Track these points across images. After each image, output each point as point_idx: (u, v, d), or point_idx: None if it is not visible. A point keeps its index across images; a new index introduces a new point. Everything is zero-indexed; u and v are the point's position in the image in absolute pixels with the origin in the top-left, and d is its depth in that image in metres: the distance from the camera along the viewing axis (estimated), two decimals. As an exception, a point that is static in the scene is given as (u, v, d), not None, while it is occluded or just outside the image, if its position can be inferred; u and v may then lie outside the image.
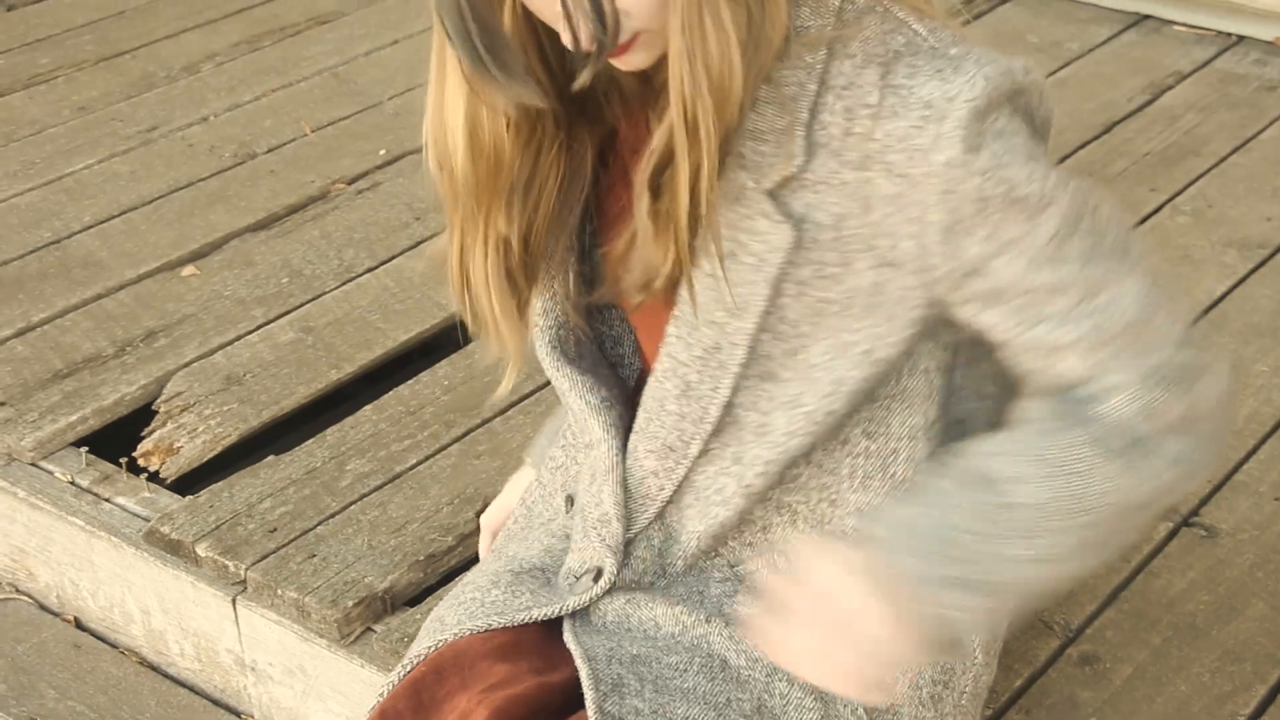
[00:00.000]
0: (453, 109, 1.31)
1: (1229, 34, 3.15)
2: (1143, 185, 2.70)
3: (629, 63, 1.22)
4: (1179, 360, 1.28)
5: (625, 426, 1.44)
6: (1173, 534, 1.90)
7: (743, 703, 1.37)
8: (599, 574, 1.43)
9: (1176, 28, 3.21)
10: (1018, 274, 1.26)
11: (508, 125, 1.30)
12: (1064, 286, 1.27)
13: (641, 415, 1.40)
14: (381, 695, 1.45)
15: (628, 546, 1.41)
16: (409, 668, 1.47)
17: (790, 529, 1.45)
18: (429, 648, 1.47)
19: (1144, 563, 1.87)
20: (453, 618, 1.49)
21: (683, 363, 1.35)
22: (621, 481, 1.42)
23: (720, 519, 1.42)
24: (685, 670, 1.39)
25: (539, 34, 1.25)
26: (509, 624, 1.46)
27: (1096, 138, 2.82)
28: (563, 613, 1.43)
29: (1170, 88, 3.03)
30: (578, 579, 1.45)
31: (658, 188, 1.25)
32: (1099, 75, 3.06)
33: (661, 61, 1.24)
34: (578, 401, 1.44)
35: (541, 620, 1.46)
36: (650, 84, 1.28)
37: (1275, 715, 1.68)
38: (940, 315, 1.32)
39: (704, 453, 1.39)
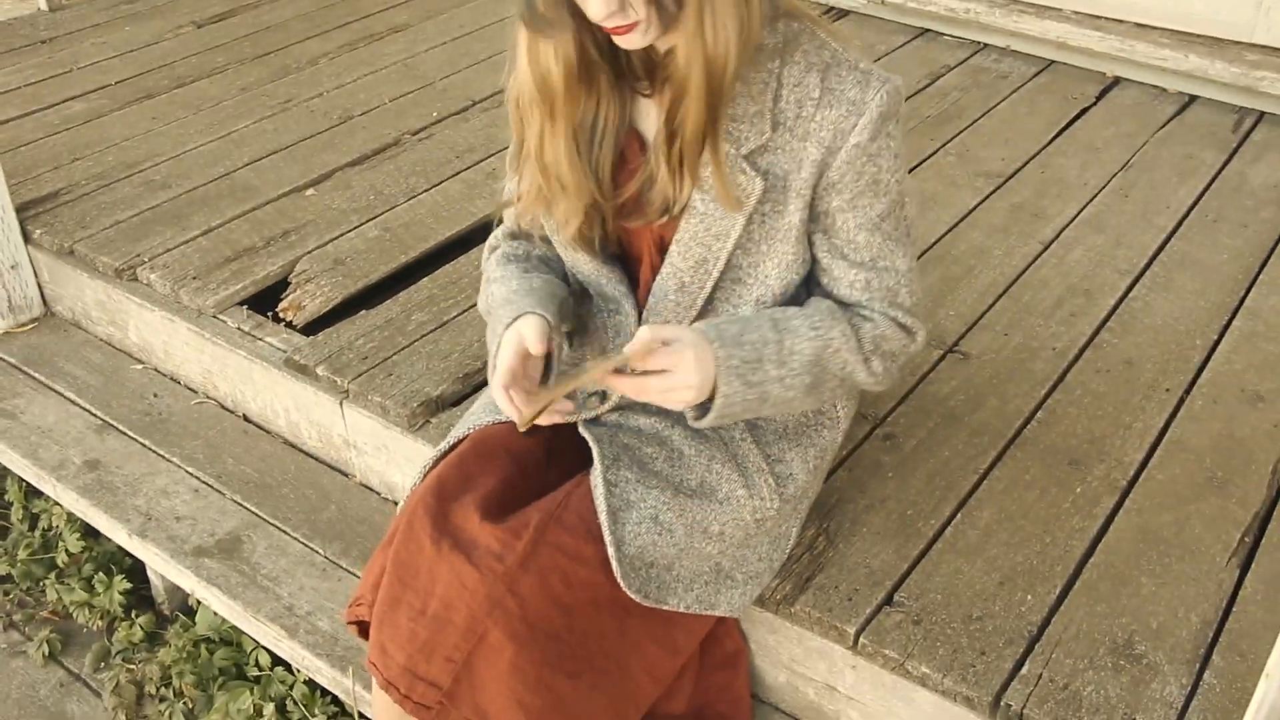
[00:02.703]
0: (545, 54, 1.34)
1: (978, 42, 3.38)
2: (925, 137, 2.88)
3: (628, 42, 1.27)
4: (905, 321, 1.46)
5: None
6: (942, 358, 2.10)
7: (689, 480, 1.52)
8: (604, 396, 1.56)
9: (946, 38, 3.43)
10: (849, 226, 1.41)
11: (569, 73, 1.33)
12: (866, 245, 1.41)
13: (651, 299, 1.49)
14: (439, 454, 1.56)
15: None
16: (464, 435, 1.55)
17: None
18: (489, 421, 1.55)
19: (924, 375, 2.06)
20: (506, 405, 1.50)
21: (680, 269, 1.45)
22: None
23: None
24: (656, 457, 1.53)
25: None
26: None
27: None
28: (581, 418, 1.55)
29: (942, 75, 3.22)
30: (589, 397, 1.57)
31: (670, 144, 1.34)
32: (898, 67, 3.17)
33: (663, 47, 1.30)
34: (613, 288, 1.52)
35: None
36: (655, 64, 1.34)
37: (1004, 468, 1.85)
38: None
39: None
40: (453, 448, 1.56)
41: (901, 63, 3.28)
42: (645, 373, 1.32)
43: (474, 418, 1.60)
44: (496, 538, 1.40)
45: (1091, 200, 2.63)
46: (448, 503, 1.45)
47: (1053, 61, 3.28)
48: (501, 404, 1.42)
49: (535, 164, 1.42)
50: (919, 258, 2.02)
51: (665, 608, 1.48)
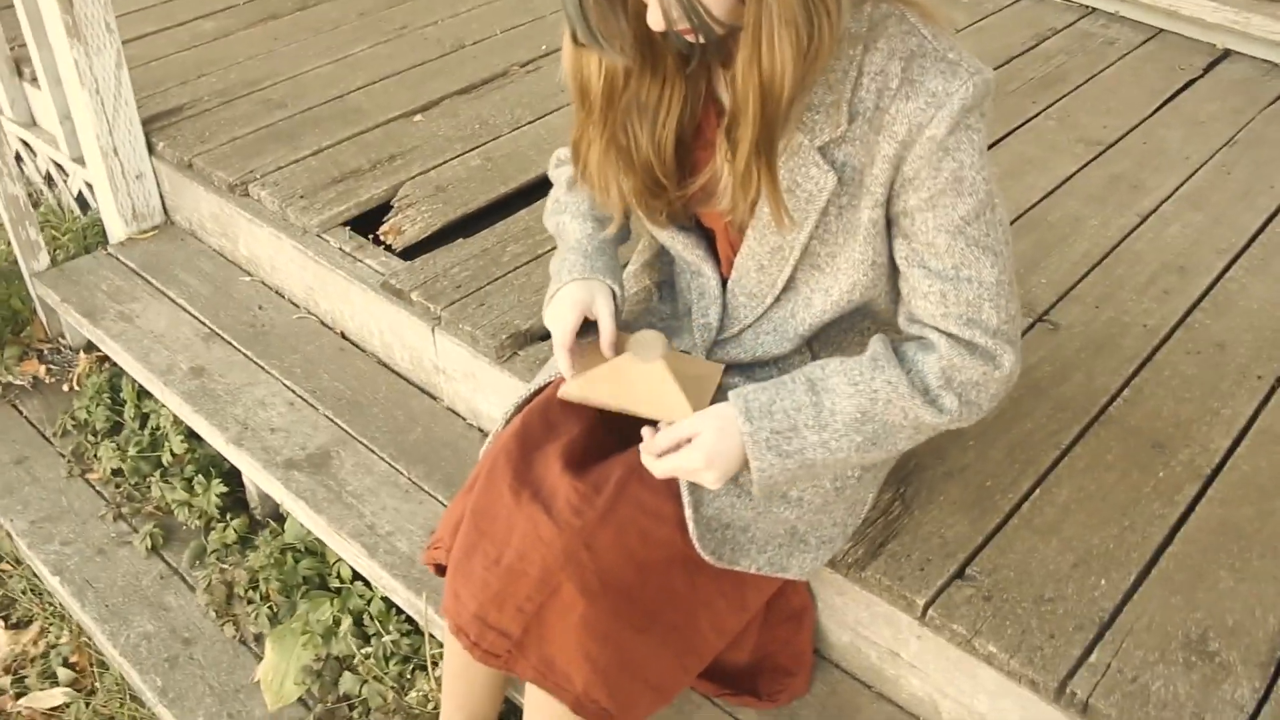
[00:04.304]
0: (588, 64, 1.26)
1: (1087, 6, 3.15)
2: (1026, 99, 2.71)
3: (694, 37, 1.17)
4: (983, 343, 1.26)
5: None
6: (1031, 327, 1.96)
7: None
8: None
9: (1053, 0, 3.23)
10: (928, 227, 1.24)
11: (632, 67, 1.24)
12: (948, 250, 1.24)
13: (735, 274, 1.40)
14: (524, 397, 1.49)
15: (713, 346, 1.46)
16: (549, 380, 1.48)
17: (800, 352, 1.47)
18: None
19: (1010, 343, 1.98)
20: (566, 364, 1.46)
21: (758, 252, 1.35)
22: (724, 304, 1.45)
23: (774, 341, 1.46)
24: None
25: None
26: None
27: (999, 67, 2.82)
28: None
29: (1047, 38, 3.02)
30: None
31: (732, 143, 1.22)
32: (1004, 27, 3.06)
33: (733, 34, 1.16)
34: (690, 253, 1.44)
35: None
36: (729, 52, 1.20)
37: (1086, 446, 1.73)
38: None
39: (774, 303, 1.41)
40: (538, 391, 1.49)
41: (1007, 23, 3.10)
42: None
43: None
44: (577, 491, 1.32)
45: (1192, 175, 2.44)
46: (530, 451, 1.38)
47: (1161, 30, 3.04)
48: (562, 364, 1.39)
49: (572, 154, 1.36)
50: (1011, 223, 1.87)
51: (737, 569, 1.40)
